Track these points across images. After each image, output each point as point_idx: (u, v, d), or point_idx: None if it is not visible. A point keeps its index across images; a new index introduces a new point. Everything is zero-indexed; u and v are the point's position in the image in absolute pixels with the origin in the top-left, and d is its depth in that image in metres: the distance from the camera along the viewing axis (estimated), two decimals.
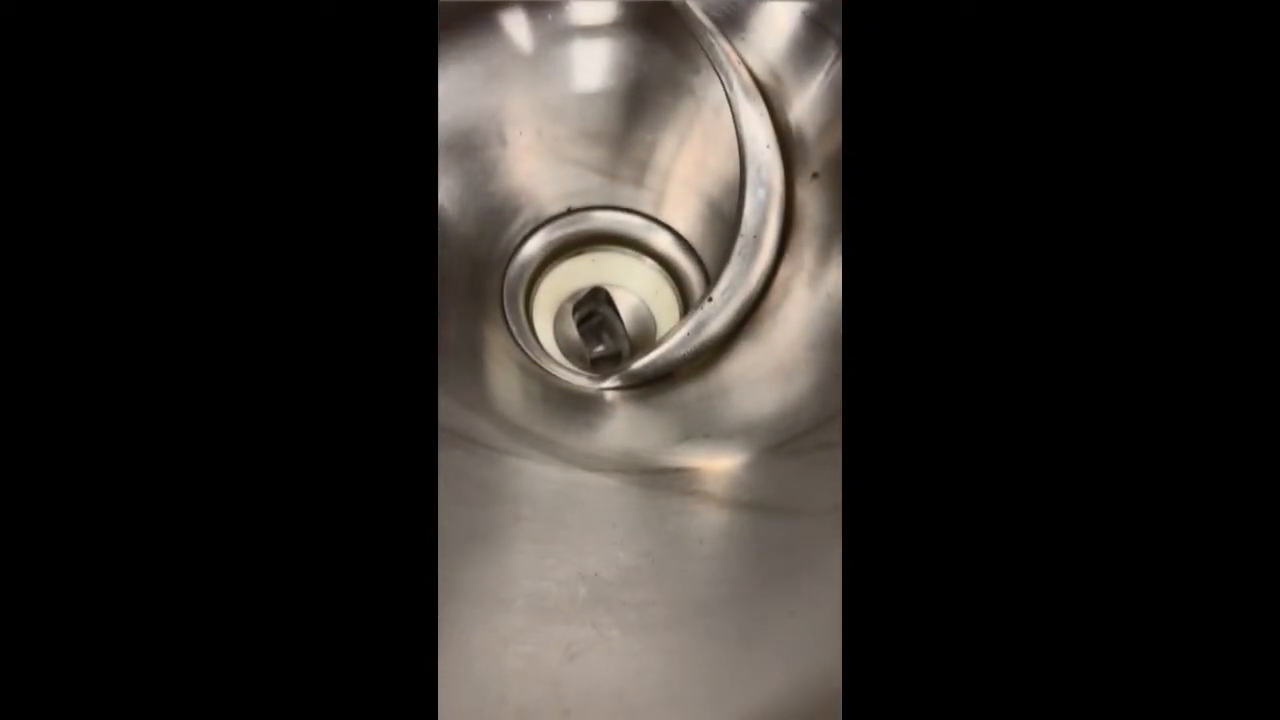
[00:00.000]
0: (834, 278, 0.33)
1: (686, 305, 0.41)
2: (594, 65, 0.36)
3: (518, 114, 0.37)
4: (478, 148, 0.37)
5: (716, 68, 0.33)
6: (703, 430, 0.32)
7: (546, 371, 0.38)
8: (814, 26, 0.32)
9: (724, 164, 0.37)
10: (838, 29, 0.32)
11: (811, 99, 0.33)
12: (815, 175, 0.34)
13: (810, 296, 0.34)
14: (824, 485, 0.25)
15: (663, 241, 0.41)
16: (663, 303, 0.43)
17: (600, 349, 0.42)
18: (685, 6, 0.33)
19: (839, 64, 0.32)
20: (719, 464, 0.30)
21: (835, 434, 0.28)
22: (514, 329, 0.39)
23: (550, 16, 0.35)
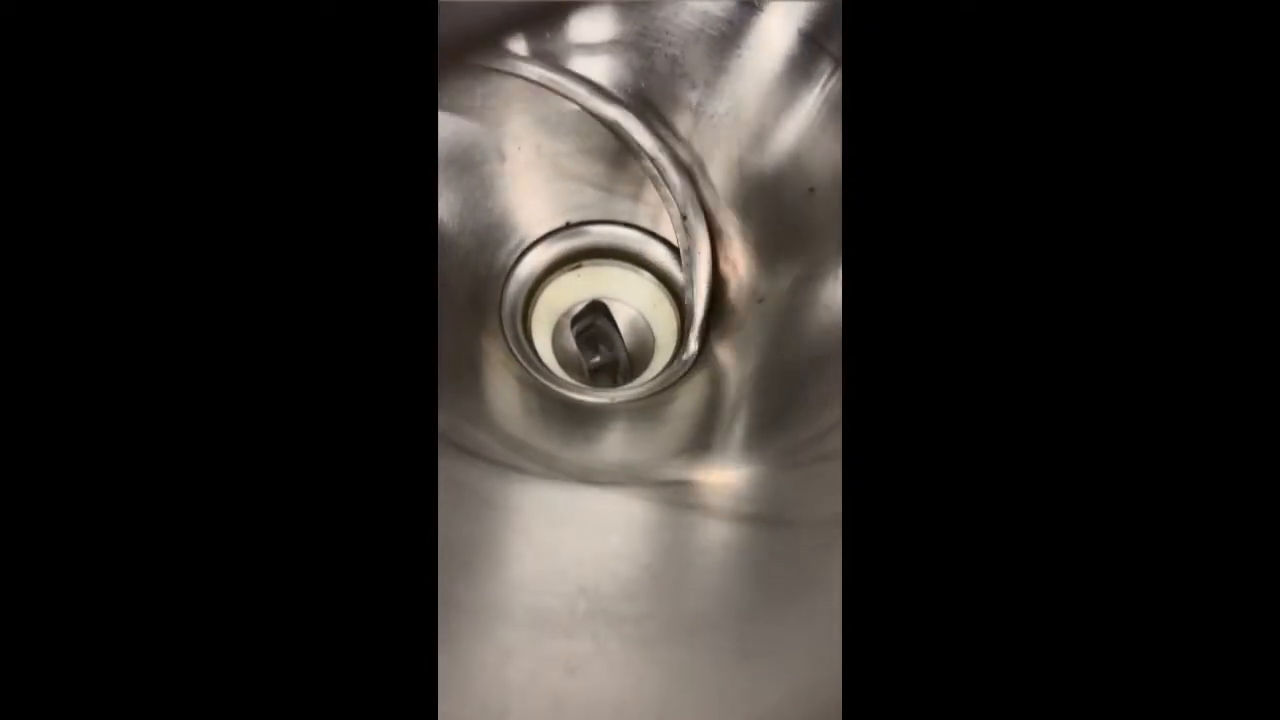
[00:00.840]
0: (831, 290, 0.33)
1: (684, 317, 0.41)
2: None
3: (517, 130, 0.37)
4: (477, 164, 0.37)
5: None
6: (701, 442, 0.33)
7: (545, 384, 0.38)
8: (809, 43, 0.33)
9: (720, 179, 0.37)
10: (833, 47, 0.32)
11: (807, 114, 0.34)
12: (812, 190, 0.35)
13: (808, 309, 0.34)
14: (823, 497, 0.25)
15: (660, 254, 0.42)
16: (661, 315, 0.43)
17: (600, 367, 0.42)
18: (619, 126, 0.34)
19: (835, 79, 0.33)
20: (718, 476, 0.30)
21: (833, 445, 0.28)
22: (512, 342, 0.39)
23: (549, 35, 0.35)
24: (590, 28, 0.35)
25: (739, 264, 0.38)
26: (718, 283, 0.37)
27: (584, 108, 0.35)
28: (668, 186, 0.36)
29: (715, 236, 0.37)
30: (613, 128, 0.35)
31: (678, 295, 0.42)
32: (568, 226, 0.41)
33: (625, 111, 0.35)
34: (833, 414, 0.29)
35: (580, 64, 0.36)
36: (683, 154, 0.37)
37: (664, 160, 0.36)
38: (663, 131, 0.36)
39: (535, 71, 0.35)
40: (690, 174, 0.36)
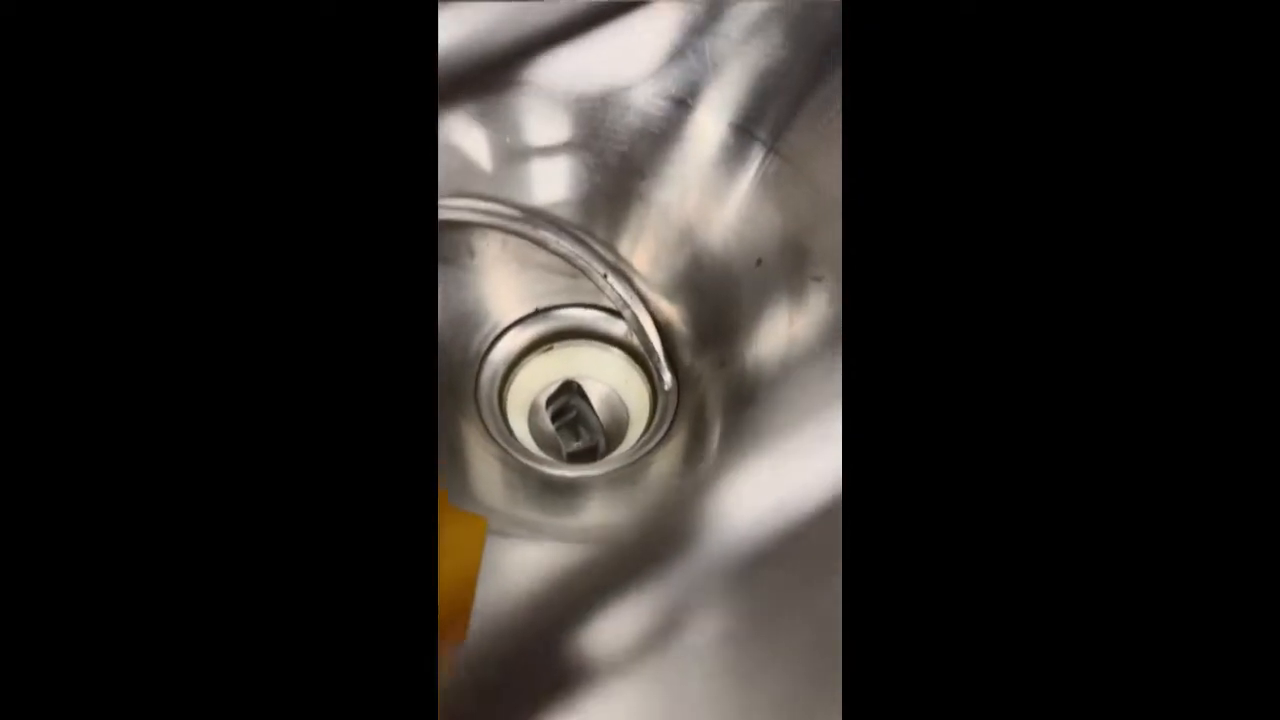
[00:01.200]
0: (786, 350, 0.36)
1: (655, 389, 0.43)
2: (550, 180, 0.40)
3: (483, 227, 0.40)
4: (448, 259, 0.40)
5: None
6: (679, 512, 0.33)
7: (525, 465, 0.39)
8: (740, 132, 0.37)
9: (674, 258, 0.40)
10: (762, 133, 0.36)
11: (745, 193, 0.37)
12: (759, 262, 0.38)
13: (767, 370, 0.37)
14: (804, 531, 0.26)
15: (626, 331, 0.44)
16: (633, 389, 0.44)
17: (577, 445, 0.43)
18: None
19: (769, 161, 0.36)
20: None
21: (811, 497, 0.29)
22: (490, 425, 0.40)
23: (508, 139, 0.38)
24: (547, 131, 0.38)
25: (695, 336, 0.40)
26: (675, 361, 0.39)
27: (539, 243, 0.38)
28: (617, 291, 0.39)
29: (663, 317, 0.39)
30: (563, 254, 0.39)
31: (648, 369, 0.44)
32: (537, 312, 0.43)
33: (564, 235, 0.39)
34: (803, 467, 0.31)
35: (538, 163, 0.39)
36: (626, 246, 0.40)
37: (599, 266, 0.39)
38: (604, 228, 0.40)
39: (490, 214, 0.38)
40: (630, 279, 0.40)
